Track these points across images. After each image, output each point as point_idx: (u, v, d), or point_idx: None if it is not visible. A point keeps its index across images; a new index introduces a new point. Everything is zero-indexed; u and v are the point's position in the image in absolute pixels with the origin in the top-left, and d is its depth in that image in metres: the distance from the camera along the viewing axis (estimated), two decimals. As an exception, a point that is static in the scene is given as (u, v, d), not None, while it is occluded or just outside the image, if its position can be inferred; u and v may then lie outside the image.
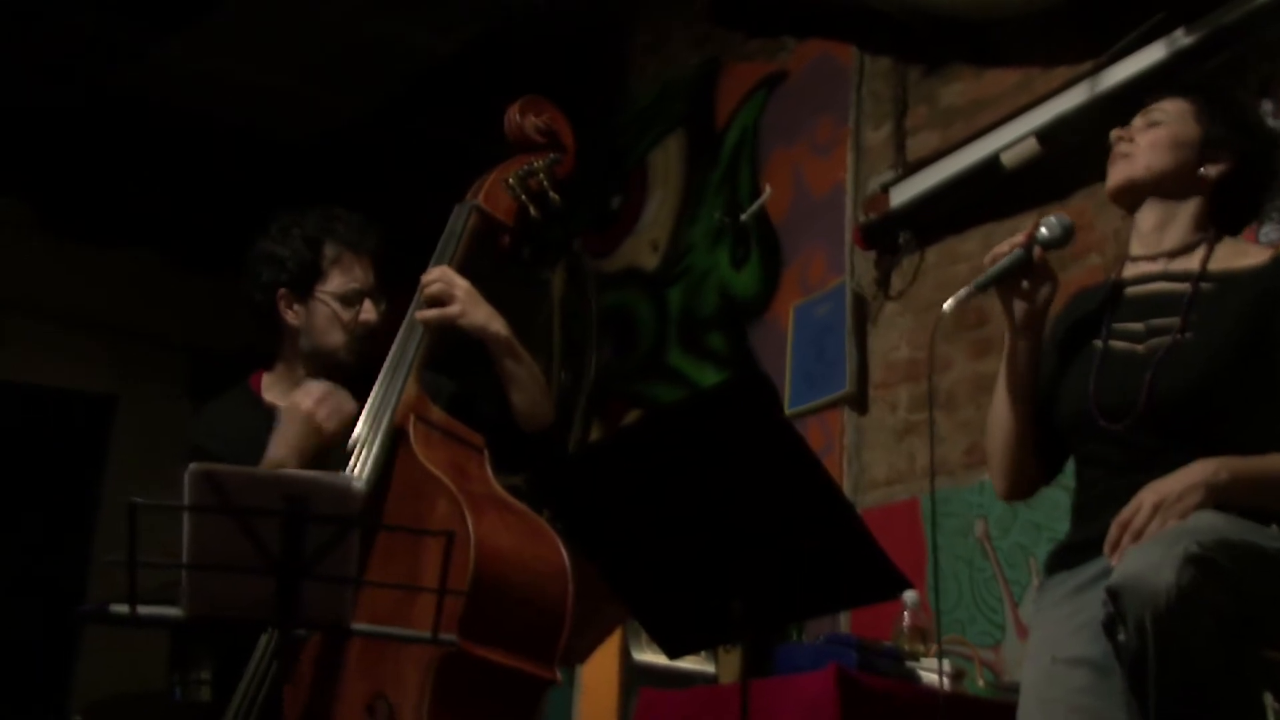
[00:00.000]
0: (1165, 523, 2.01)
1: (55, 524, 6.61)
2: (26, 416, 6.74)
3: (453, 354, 2.81)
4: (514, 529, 2.40)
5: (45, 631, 6.28)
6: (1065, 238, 2.33)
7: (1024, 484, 2.44)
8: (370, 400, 2.58)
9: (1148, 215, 2.37)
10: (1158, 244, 2.36)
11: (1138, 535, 2.02)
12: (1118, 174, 2.39)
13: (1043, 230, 2.33)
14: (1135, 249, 2.39)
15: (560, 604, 2.39)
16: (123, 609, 1.86)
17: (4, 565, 6.40)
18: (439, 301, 2.68)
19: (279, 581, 1.85)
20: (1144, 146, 2.36)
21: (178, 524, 1.89)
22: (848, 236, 4.55)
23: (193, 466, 1.84)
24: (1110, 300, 2.36)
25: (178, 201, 6.77)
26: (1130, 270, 2.39)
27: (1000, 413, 2.38)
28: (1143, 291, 2.34)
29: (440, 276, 2.70)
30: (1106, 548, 2.07)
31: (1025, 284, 2.32)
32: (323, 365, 2.72)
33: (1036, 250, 2.32)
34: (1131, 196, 2.38)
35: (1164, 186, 2.35)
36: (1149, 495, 2.05)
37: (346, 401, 2.57)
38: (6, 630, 6.29)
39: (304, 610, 1.88)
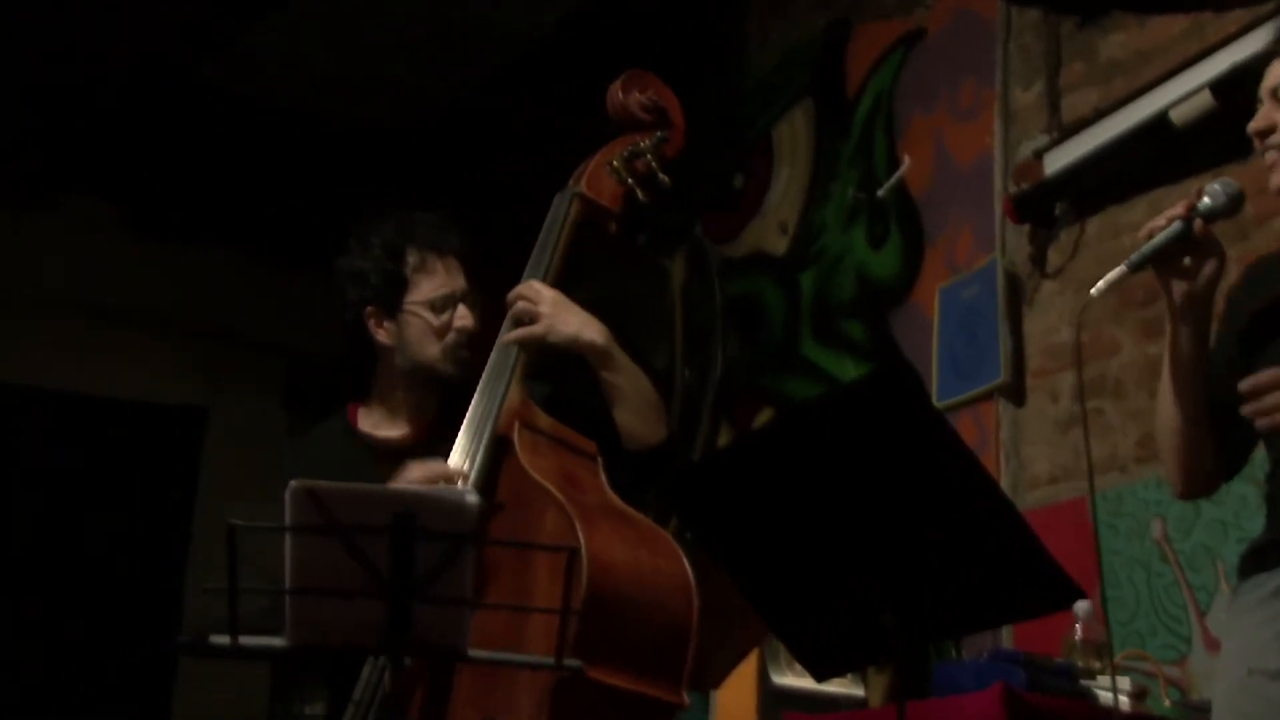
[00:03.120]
0: None
1: (144, 547, 6.75)
2: (111, 433, 6.89)
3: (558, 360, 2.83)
4: (630, 541, 2.40)
5: (139, 662, 6.41)
6: (1232, 206, 2.26)
7: (1201, 481, 2.39)
8: (472, 409, 2.61)
9: None
10: None
11: None
12: None
13: (1205, 200, 2.26)
14: None
15: (684, 620, 2.39)
16: (223, 640, 1.89)
17: (93, 592, 6.55)
18: (526, 319, 2.69)
19: (389, 604, 1.87)
20: None
21: (276, 546, 1.91)
22: (998, 209, 4.49)
23: (293, 483, 1.86)
24: None
25: (269, 196, 6.88)
26: None
27: (1167, 405, 2.34)
28: None
29: (521, 293, 2.73)
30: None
31: (1186, 261, 2.26)
32: (422, 382, 2.76)
33: (1197, 223, 2.25)
34: None
35: None
36: None
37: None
38: (99, 663, 6.43)
39: (417, 635, 1.89)
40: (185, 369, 7.10)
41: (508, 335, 2.71)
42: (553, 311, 2.70)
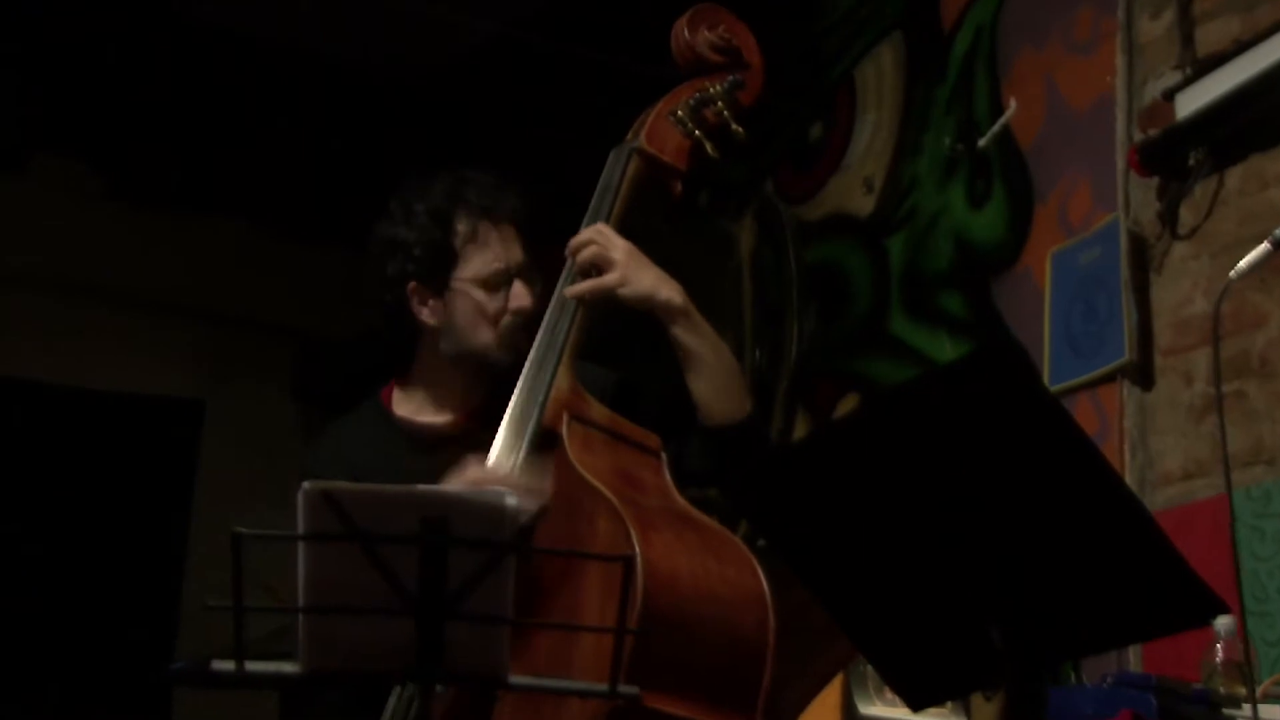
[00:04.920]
0: None
1: (134, 560, 6.79)
2: (93, 430, 6.91)
3: (613, 339, 2.83)
4: (695, 549, 2.42)
5: (130, 691, 6.45)
6: None
7: None
8: (514, 399, 2.62)
9: None
10: None
11: None
12: None
13: None
14: None
15: (758, 638, 2.40)
16: (227, 666, 1.91)
17: (76, 611, 6.59)
18: (593, 268, 2.69)
19: (418, 624, 1.88)
20: None
21: (286, 557, 1.93)
22: (1120, 160, 4.47)
23: (307, 485, 1.88)
24: None
25: (275, 157, 6.87)
26: None
27: None
28: None
29: (592, 238, 2.72)
30: None
31: None
32: (471, 370, 2.77)
33: None
34: None
35: None
36: None
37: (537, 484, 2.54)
38: (84, 691, 6.48)
39: (450, 659, 1.90)
40: (179, 356, 7.14)
41: (574, 287, 2.71)
42: (627, 262, 2.70)
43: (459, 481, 2.50)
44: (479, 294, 2.76)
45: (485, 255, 2.78)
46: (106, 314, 6.88)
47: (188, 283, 7.01)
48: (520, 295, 2.77)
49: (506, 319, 2.76)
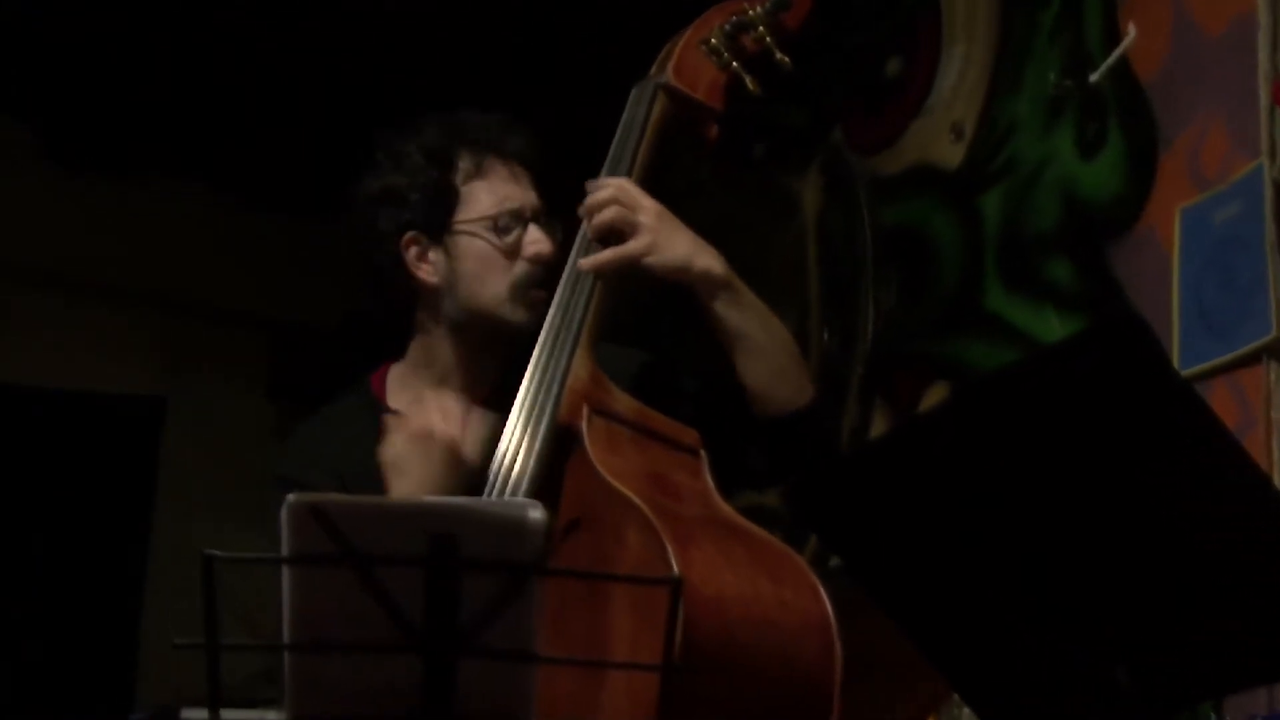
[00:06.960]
0: None
1: (85, 584, 6.80)
2: (39, 433, 6.93)
3: (640, 314, 2.83)
4: (743, 565, 2.44)
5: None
6: None
7: None
8: (524, 389, 2.63)
9: None
10: None
11: None
12: None
13: None
14: None
15: (822, 670, 2.42)
16: (199, 715, 1.92)
17: (19, 652, 6.62)
18: (614, 234, 2.69)
19: (425, 661, 1.89)
20: None
21: (272, 583, 1.94)
22: (1263, 96, 4.45)
23: (293, 499, 1.88)
24: None
25: (241, 113, 6.87)
26: None
27: None
28: None
29: (613, 196, 2.72)
30: None
31: None
32: (479, 341, 2.77)
33: None
34: None
35: None
36: None
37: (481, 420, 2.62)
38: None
39: (463, 702, 1.91)
40: (136, 347, 7.17)
41: (591, 258, 2.71)
42: (657, 224, 2.70)
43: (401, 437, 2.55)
44: (488, 235, 2.76)
45: (495, 193, 2.79)
46: (48, 299, 6.90)
47: (143, 262, 7.03)
48: (538, 240, 2.78)
49: (521, 266, 2.77)
